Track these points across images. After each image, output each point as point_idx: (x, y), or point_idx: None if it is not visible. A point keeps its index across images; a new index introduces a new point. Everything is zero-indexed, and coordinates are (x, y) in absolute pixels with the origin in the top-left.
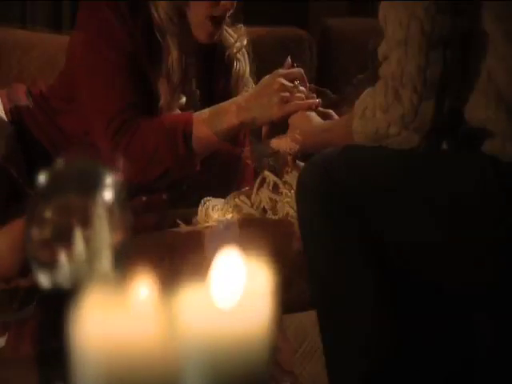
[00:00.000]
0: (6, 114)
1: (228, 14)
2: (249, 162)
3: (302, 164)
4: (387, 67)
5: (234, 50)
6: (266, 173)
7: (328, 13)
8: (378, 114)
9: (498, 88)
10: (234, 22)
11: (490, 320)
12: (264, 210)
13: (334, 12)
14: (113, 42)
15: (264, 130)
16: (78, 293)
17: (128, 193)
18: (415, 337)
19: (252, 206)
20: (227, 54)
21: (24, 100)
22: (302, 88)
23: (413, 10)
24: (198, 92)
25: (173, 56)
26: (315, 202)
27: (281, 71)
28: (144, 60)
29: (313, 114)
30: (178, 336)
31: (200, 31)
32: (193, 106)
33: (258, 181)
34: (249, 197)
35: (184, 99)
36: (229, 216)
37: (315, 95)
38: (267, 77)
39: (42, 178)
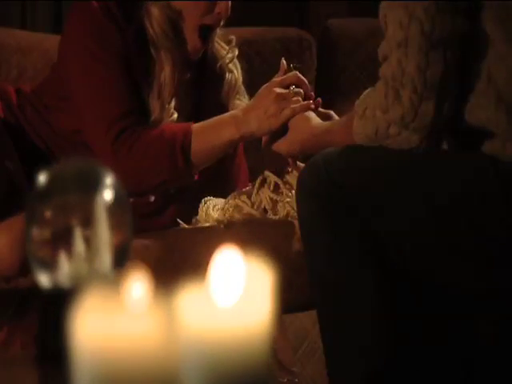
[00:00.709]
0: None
1: (220, 25)
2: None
3: (302, 164)
4: (387, 67)
5: (227, 61)
6: (267, 173)
7: (328, 13)
8: (378, 114)
9: (498, 88)
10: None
11: (490, 320)
12: (264, 210)
13: (334, 12)
14: (108, 45)
15: (264, 138)
16: (77, 293)
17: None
18: (415, 337)
19: (252, 206)
20: (219, 65)
21: (14, 98)
22: (298, 90)
23: (413, 11)
24: (190, 105)
25: (166, 71)
26: (315, 202)
27: (275, 80)
28: (137, 73)
29: (312, 115)
30: (177, 336)
31: (189, 43)
32: (184, 120)
33: (258, 181)
34: (249, 197)
35: (176, 115)
36: (229, 216)
37: (313, 93)
38: (263, 88)
39: (41, 177)
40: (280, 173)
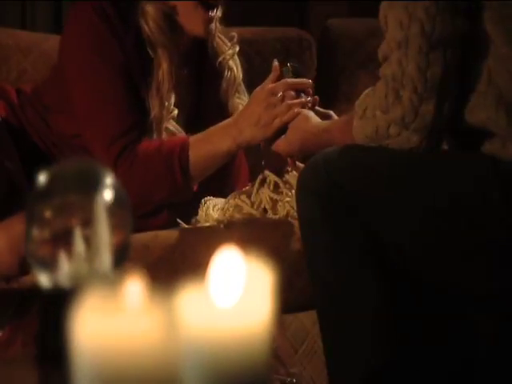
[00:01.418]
0: None
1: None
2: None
3: (302, 165)
4: (387, 68)
5: (227, 57)
6: (267, 172)
7: (328, 13)
8: (378, 114)
9: (498, 88)
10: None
11: (490, 320)
12: (264, 210)
13: (334, 12)
14: (108, 55)
15: (262, 143)
16: (77, 293)
17: None
18: (415, 337)
19: (252, 205)
20: (219, 61)
21: (15, 99)
22: (289, 93)
23: (413, 11)
24: (190, 102)
25: (163, 68)
26: (315, 202)
27: (267, 88)
28: (135, 72)
29: (312, 115)
30: (177, 336)
31: (194, 24)
32: (185, 116)
33: (258, 180)
34: (249, 196)
35: (176, 112)
36: (229, 216)
37: (311, 90)
38: (254, 95)
39: (41, 177)
40: (280, 173)
